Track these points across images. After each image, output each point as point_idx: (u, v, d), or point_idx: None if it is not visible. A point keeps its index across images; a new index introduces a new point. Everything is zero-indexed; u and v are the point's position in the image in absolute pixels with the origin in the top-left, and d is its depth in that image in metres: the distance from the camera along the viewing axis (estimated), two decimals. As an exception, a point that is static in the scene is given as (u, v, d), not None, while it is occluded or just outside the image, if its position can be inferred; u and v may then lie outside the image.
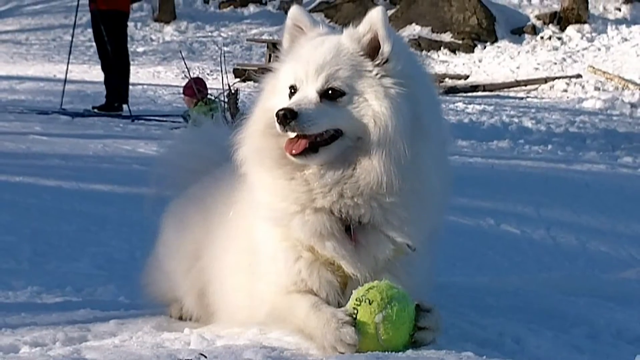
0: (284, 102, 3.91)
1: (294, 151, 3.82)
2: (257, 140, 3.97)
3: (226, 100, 15.15)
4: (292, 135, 3.85)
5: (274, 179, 3.92)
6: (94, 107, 18.17)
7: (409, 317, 3.71)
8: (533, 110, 20.20)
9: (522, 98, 23.05)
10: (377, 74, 3.85)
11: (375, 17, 3.89)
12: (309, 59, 3.90)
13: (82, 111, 18.02)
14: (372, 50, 3.89)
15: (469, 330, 4.10)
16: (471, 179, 11.19)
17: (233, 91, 15.36)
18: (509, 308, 4.72)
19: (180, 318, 4.82)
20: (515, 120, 18.29)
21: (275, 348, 3.74)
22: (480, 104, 20.90)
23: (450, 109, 19.32)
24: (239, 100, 15.09)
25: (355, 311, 3.70)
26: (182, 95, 17.04)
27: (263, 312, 4.01)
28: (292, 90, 3.93)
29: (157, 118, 17.42)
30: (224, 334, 4.06)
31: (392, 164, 3.77)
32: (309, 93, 3.86)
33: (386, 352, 3.64)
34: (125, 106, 17.93)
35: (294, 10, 4.12)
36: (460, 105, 20.40)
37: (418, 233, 3.94)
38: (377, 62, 3.87)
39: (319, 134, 3.82)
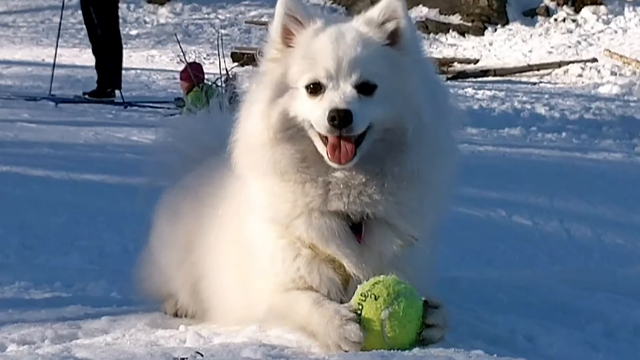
0: (305, 102, 3.85)
1: (343, 160, 3.78)
2: (272, 149, 3.90)
3: (224, 85, 15.15)
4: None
5: (286, 183, 3.90)
6: (84, 93, 18.14)
7: (417, 314, 3.72)
8: (546, 96, 20.18)
9: (534, 83, 23.03)
10: (404, 63, 3.90)
11: (396, 4, 3.93)
12: (337, 53, 3.85)
13: (72, 97, 18.01)
14: (394, 38, 3.93)
15: (478, 327, 4.10)
16: (481, 168, 11.18)
17: (231, 76, 15.34)
18: (520, 304, 4.72)
19: (176, 314, 4.82)
20: (528, 106, 18.27)
21: (275, 346, 3.74)
22: (490, 89, 20.88)
23: (459, 95, 19.30)
24: (237, 85, 15.08)
25: (360, 307, 3.71)
26: (179, 81, 17.03)
27: (261, 311, 4.01)
28: (315, 88, 3.85)
29: (151, 104, 17.40)
30: (221, 331, 4.07)
31: (429, 152, 3.86)
32: (346, 90, 3.82)
33: (392, 351, 3.65)
34: (117, 92, 17.91)
35: (287, 1, 4.00)
36: (470, 90, 20.38)
37: (426, 224, 3.97)
38: (402, 52, 3.91)
39: None
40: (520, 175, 11.96)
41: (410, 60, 3.92)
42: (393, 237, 3.90)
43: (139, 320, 4.67)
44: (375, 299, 3.69)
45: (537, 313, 4.54)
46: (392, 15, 3.93)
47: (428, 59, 4.11)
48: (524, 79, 23.64)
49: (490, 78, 23.65)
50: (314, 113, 3.82)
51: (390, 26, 3.92)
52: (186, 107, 14.18)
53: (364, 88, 3.83)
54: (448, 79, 22.94)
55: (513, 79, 23.73)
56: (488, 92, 20.18)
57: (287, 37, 3.99)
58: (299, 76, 3.90)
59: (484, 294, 4.88)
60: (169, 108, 16.56)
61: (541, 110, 17.84)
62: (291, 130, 3.89)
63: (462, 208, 9.12)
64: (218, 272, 4.35)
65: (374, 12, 3.95)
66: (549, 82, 23.18)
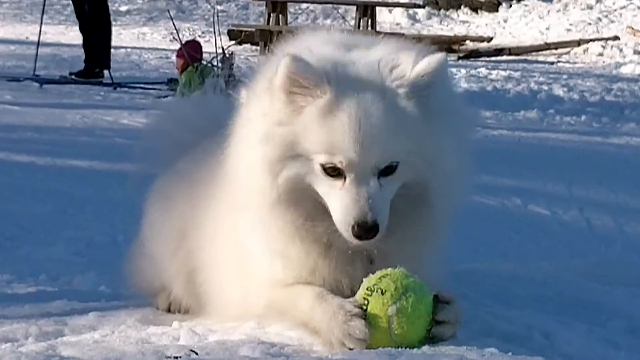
0: (321, 177, 3.69)
1: (365, 245, 3.72)
2: (271, 210, 3.79)
3: (220, 65, 15.15)
4: None
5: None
6: (71, 73, 18.17)
7: (426, 310, 3.70)
8: (565, 77, 20.19)
9: (552, 63, 23.04)
10: (434, 130, 3.74)
11: (438, 68, 3.70)
12: (361, 141, 3.62)
13: (57, 78, 18.02)
14: (429, 108, 3.73)
15: (492, 323, 4.09)
16: (495, 153, 11.18)
17: (227, 55, 15.34)
18: (537, 299, 4.71)
19: (169, 310, 4.82)
20: (545, 87, 18.28)
21: (275, 344, 3.73)
22: (505, 69, 20.89)
23: (472, 76, 19.30)
24: (234, 65, 15.08)
25: (366, 302, 3.69)
26: (174, 59, 17.06)
27: (260, 306, 3.99)
28: (333, 170, 3.68)
29: (142, 85, 17.42)
30: (217, 328, 4.06)
31: (453, 193, 3.85)
32: (370, 184, 3.67)
33: (400, 348, 3.64)
34: (106, 72, 17.93)
35: (290, 64, 3.65)
36: (483, 70, 20.38)
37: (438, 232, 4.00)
38: (434, 120, 3.74)
39: None
40: (536, 161, 11.96)
41: (440, 124, 3.76)
42: (403, 254, 3.86)
43: (129, 316, 4.66)
44: (382, 293, 3.68)
45: (555, 308, 4.54)
46: (433, 80, 3.69)
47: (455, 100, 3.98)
48: (540, 59, 23.66)
49: (504, 57, 23.67)
50: (333, 202, 3.70)
51: (428, 95, 3.71)
52: (179, 89, 14.25)
53: (387, 170, 3.70)
54: (459, 58, 22.97)
55: (529, 58, 23.75)
56: (502, 73, 20.17)
57: (294, 102, 3.72)
58: (314, 154, 3.70)
59: (498, 288, 4.87)
60: (161, 89, 16.59)
61: (559, 91, 17.85)
62: (299, 191, 3.77)
63: (475, 196, 9.07)
64: (214, 265, 4.34)
65: (413, 77, 3.68)
66: (568, 62, 23.19)
